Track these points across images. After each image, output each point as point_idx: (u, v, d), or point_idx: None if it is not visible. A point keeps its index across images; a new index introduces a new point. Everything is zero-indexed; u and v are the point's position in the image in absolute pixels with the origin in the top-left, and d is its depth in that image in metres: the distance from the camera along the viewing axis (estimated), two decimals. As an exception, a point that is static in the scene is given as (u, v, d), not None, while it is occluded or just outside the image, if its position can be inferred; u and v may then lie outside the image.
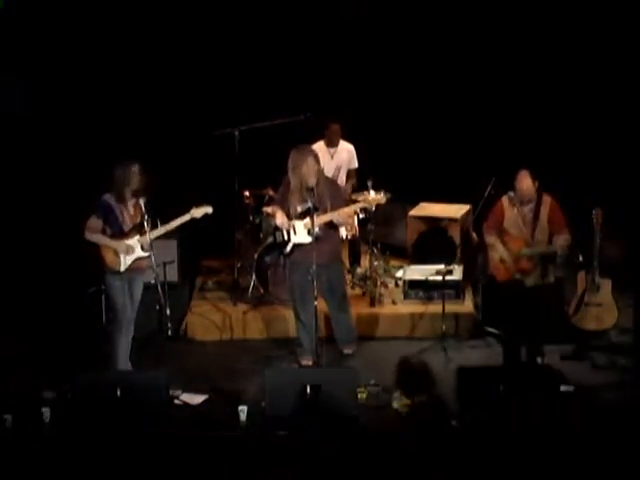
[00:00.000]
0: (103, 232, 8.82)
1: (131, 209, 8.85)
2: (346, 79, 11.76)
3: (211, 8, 11.64)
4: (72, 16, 11.42)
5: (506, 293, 9.06)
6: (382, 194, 9.52)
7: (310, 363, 9.23)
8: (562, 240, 8.82)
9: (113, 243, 8.81)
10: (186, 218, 8.89)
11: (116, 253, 8.81)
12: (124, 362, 9.00)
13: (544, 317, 8.97)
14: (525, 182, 8.83)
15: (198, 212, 8.91)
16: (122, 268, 8.83)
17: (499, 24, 11.56)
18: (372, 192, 10.31)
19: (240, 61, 11.83)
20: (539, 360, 8.95)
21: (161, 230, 8.92)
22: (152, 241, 8.81)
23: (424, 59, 11.68)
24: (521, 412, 7.70)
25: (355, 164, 10.82)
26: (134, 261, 8.86)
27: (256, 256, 10.40)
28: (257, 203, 10.77)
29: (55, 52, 11.49)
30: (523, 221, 8.91)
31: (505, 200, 8.99)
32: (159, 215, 8.96)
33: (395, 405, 8.44)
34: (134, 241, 8.83)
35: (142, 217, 8.80)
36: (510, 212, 8.94)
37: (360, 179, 10.64)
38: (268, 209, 10.18)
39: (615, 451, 7.30)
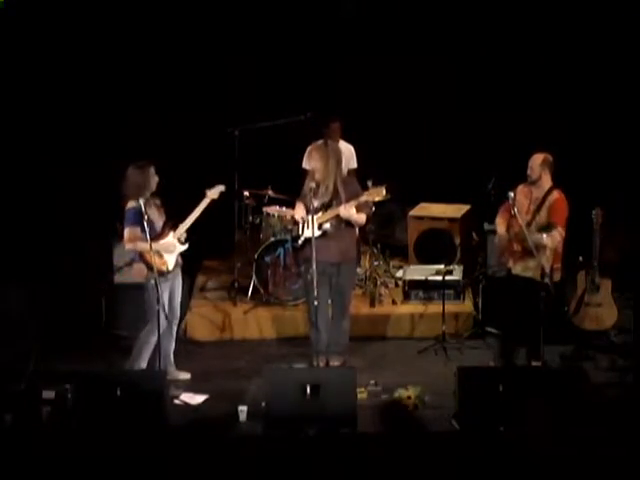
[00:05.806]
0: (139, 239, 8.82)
1: (155, 209, 8.88)
2: (346, 79, 11.75)
3: (212, 7, 11.63)
4: (73, 14, 11.41)
5: (498, 282, 9.19)
6: (383, 189, 9.49)
7: (322, 364, 9.18)
8: (548, 236, 8.78)
9: (158, 246, 8.80)
10: (206, 202, 8.99)
11: (161, 255, 8.81)
12: (144, 363, 8.97)
13: (528, 309, 8.90)
14: (532, 159, 8.89)
15: (214, 193, 9.05)
16: (171, 267, 8.87)
17: (499, 23, 11.55)
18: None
19: (240, 61, 11.82)
20: (539, 360, 8.94)
21: (188, 221, 8.97)
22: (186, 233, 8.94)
23: (424, 59, 11.68)
24: (521, 412, 7.71)
25: (354, 164, 10.81)
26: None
27: (256, 256, 10.40)
28: (257, 203, 10.77)
29: (55, 51, 11.48)
30: (528, 208, 8.90)
31: (521, 185, 9.01)
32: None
33: (395, 405, 8.43)
34: (171, 238, 8.86)
35: (166, 214, 8.88)
36: (521, 195, 8.95)
37: (360, 179, 10.63)
38: (269, 208, 10.21)
39: (615, 451, 7.29)
